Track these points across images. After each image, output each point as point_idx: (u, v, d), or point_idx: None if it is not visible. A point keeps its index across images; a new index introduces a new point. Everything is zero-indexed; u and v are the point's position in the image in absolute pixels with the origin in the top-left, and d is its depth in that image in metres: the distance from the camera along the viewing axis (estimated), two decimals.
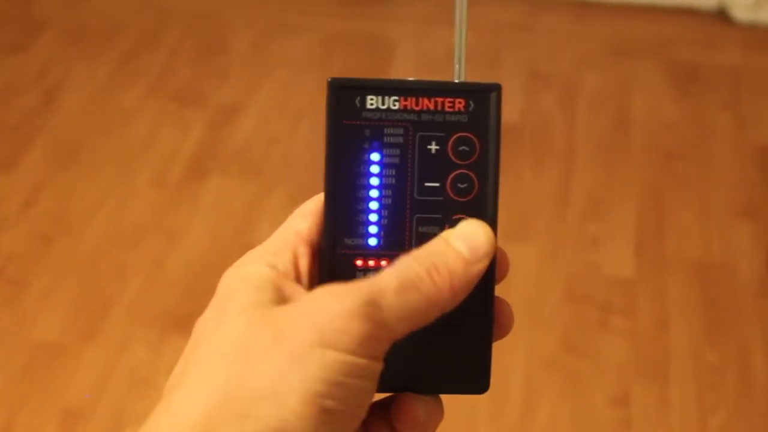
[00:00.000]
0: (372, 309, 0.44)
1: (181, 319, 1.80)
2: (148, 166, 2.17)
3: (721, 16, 2.64)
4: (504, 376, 1.75)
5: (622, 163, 2.21)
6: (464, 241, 0.49)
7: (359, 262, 0.50)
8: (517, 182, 2.13)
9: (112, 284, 1.93)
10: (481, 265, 0.48)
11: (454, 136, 0.50)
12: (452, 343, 0.50)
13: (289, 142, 2.22)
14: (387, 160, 0.50)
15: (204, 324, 0.48)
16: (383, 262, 0.50)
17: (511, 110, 2.29)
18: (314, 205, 0.51)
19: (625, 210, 2.09)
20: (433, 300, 0.46)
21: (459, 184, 0.51)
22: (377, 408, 0.51)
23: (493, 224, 0.50)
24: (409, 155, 0.50)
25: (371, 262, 0.50)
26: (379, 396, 0.50)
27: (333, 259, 0.50)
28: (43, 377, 1.78)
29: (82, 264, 1.97)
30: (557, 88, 2.41)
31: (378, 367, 0.45)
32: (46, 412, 1.73)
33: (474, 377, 0.51)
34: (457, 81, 0.52)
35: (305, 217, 0.51)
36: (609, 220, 2.07)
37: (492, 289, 0.51)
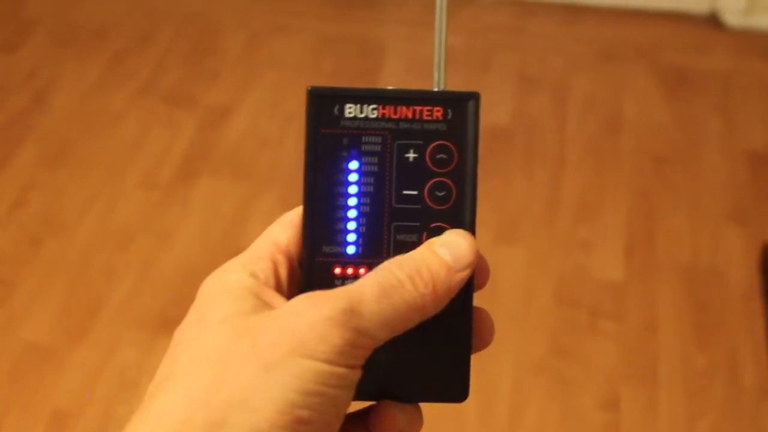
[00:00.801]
0: (352, 316, 0.44)
1: (170, 321, 1.80)
2: (138, 167, 2.17)
3: (713, 20, 2.64)
4: (492, 380, 1.75)
5: (612, 167, 2.21)
6: (448, 249, 0.49)
7: (338, 270, 0.50)
8: (507, 185, 2.13)
9: (102, 286, 1.92)
10: (464, 274, 0.49)
11: (432, 145, 0.51)
12: (431, 352, 0.50)
13: (280, 144, 2.22)
14: (365, 168, 0.50)
15: (184, 331, 0.48)
16: (361, 270, 0.50)
17: (501, 113, 2.29)
18: (294, 215, 0.51)
19: (615, 213, 2.10)
20: (415, 305, 0.46)
21: (437, 192, 0.51)
22: (354, 417, 0.51)
23: (471, 231, 0.51)
24: (387, 163, 0.50)
25: (349, 270, 0.50)
26: (356, 405, 0.50)
27: (312, 266, 0.50)
28: (31, 378, 1.77)
29: (71, 265, 1.97)
30: (547, 91, 2.41)
31: (356, 375, 0.45)
32: (34, 413, 1.72)
33: (453, 386, 0.51)
34: (436, 90, 0.52)
35: (284, 227, 0.51)
36: (599, 224, 2.08)
37: (470, 298, 0.51)
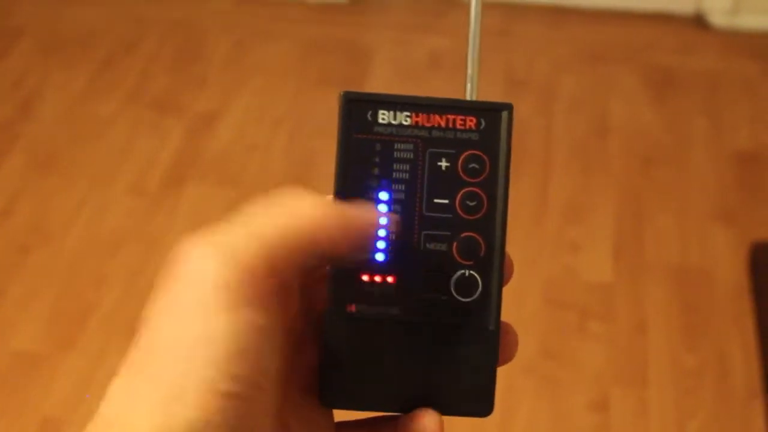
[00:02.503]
0: (225, 251, 0.43)
1: None
2: (125, 174, 2.17)
3: (698, 21, 2.65)
4: None
5: (600, 169, 2.21)
6: (352, 205, 0.48)
7: (365, 277, 0.50)
8: None
9: (91, 293, 1.92)
10: (361, 223, 0.48)
11: (465, 154, 0.51)
12: (459, 365, 0.50)
13: (267, 149, 2.22)
14: (397, 175, 0.50)
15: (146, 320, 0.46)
16: (389, 278, 0.50)
17: None
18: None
19: (603, 215, 2.10)
20: (299, 212, 0.45)
21: (468, 202, 0.50)
22: (379, 422, 0.50)
23: (501, 242, 0.51)
24: (419, 171, 0.50)
25: (377, 278, 0.50)
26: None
27: (338, 272, 0.50)
28: (21, 387, 1.77)
29: (60, 273, 1.96)
30: (534, 93, 2.41)
31: (265, 319, 0.43)
32: (24, 421, 1.72)
33: (479, 400, 0.51)
34: (470, 99, 0.52)
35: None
36: (587, 225, 2.08)
37: (499, 311, 0.51)
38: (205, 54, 2.53)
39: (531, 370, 1.81)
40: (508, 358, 0.51)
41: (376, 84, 2.39)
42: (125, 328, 1.84)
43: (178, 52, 2.52)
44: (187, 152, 2.22)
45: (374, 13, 2.69)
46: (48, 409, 1.73)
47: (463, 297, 0.50)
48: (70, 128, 2.30)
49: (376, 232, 0.49)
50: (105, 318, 1.87)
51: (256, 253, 0.43)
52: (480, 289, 0.50)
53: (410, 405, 0.50)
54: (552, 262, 2.00)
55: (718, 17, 2.62)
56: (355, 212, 0.47)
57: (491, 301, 0.50)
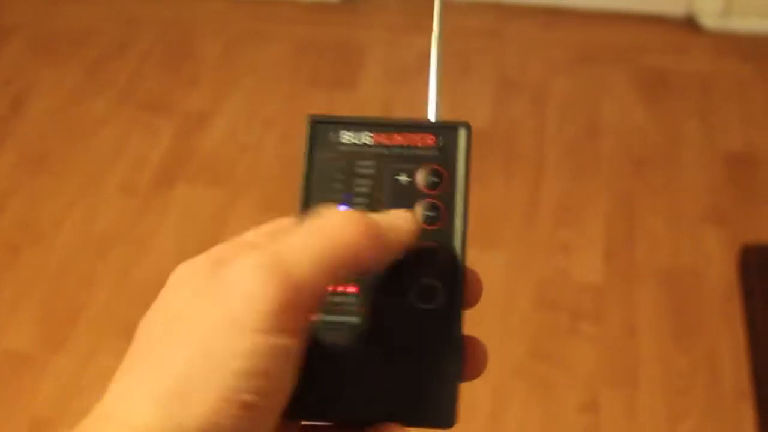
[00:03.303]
0: (277, 263, 0.43)
1: None
2: (116, 174, 2.16)
3: (690, 23, 2.65)
4: (473, 383, 1.74)
5: (592, 170, 2.21)
6: (389, 215, 0.49)
7: (329, 287, 0.49)
8: (486, 189, 2.13)
9: (81, 293, 1.92)
10: (402, 236, 0.48)
11: (423, 168, 0.52)
12: (422, 376, 0.50)
13: (258, 150, 2.22)
14: (358, 189, 0.52)
15: (144, 322, 0.47)
16: (351, 288, 0.50)
17: (480, 117, 2.29)
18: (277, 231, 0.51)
19: (595, 216, 2.10)
20: (347, 243, 0.45)
21: (427, 213, 0.52)
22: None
23: (461, 251, 0.51)
24: (379, 185, 0.52)
25: (339, 287, 0.50)
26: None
27: None
28: (10, 387, 1.77)
29: (50, 273, 1.96)
30: (527, 94, 2.41)
31: (296, 346, 0.44)
32: (13, 421, 1.72)
33: (441, 411, 0.51)
34: (430, 120, 0.54)
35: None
36: (578, 227, 2.08)
37: (460, 320, 0.51)
38: (196, 54, 2.52)
39: (522, 371, 1.81)
40: (477, 374, 0.52)
41: (368, 84, 2.38)
42: (115, 328, 1.83)
43: (170, 51, 2.52)
44: (178, 152, 2.22)
45: (366, 13, 2.69)
46: (37, 408, 1.73)
47: (424, 305, 0.50)
48: (61, 127, 2.29)
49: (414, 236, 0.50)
50: (95, 318, 1.87)
51: (309, 282, 0.44)
52: (442, 297, 0.50)
53: (373, 416, 0.49)
54: (543, 264, 2.00)
55: (710, 19, 2.63)
56: (397, 225, 0.48)
57: (453, 309, 0.50)
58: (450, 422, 0.51)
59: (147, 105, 2.35)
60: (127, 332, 1.81)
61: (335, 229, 0.45)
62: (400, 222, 0.49)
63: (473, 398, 1.74)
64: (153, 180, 2.14)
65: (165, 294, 0.47)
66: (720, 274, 1.99)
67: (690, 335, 1.88)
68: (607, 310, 1.92)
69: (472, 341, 0.51)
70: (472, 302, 0.51)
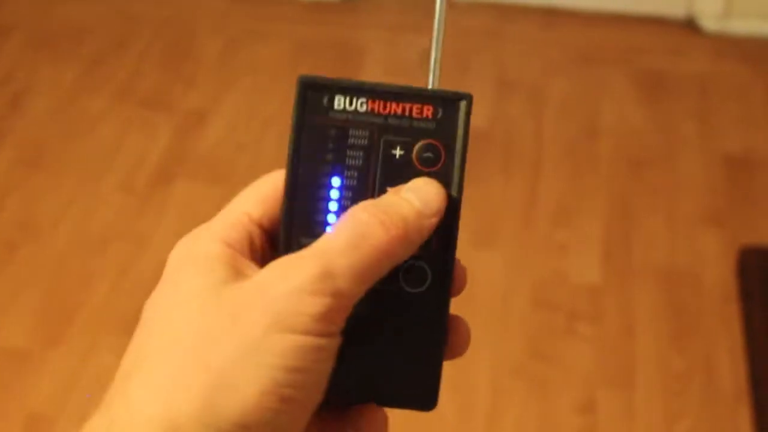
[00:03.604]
0: (325, 281, 0.44)
1: None
2: (114, 171, 2.16)
3: (690, 25, 2.65)
4: (470, 383, 1.75)
5: (590, 170, 2.21)
6: (416, 194, 0.48)
7: None
8: (484, 189, 2.13)
9: (78, 290, 1.91)
10: (434, 220, 0.48)
11: (420, 143, 0.50)
12: (403, 357, 0.50)
13: (257, 148, 2.22)
14: (350, 161, 0.49)
15: (155, 308, 0.46)
16: None
17: (479, 116, 2.29)
18: (269, 190, 0.50)
19: (592, 217, 2.10)
20: (385, 251, 0.45)
21: None
22: (325, 417, 0.50)
23: (453, 234, 0.50)
24: (373, 158, 0.49)
25: None
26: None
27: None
28: (7, 383, 1.76)
29: (47, 270, 1.96)
30: (525, 94, 2.41)
31: (337, 342, 0.45)
32: (10, 418, 1.72)
33: (422, 393, 0.50)
34: (429, 88, 0.52)
35: (258, 202, 0.50)
36: (576, 227, 2.08)
37: (447, 305, 0.50)
38: (195, 52, 2.52)
39: (519, 372, 1.81)
40: (459, 353, 0.51)
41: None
42: (113, 326, 1.83)
43: (169, 49, 2.52)
44: (176, 150, 2.22)
45: (365, 12, 2.69)
46: (34, 406, 1.73)
47: (411, 288, 0.49)
48: (59, 125, 2.29)
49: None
50: (92, 315, 1.87)
51: (353, 291, 0.45)
52: (429, 280, 0.49)
53: (355, 398, 0.49)
54: (541, 264, 2.00)
55: (710, 21, 2.63)
56: (427, 218, 0.48)
57: (440, 292, 0.50)
58: (430, 405, 0.50)
59: (146, 103, 2.35)
60: (125, 329, 1.81)
61: (374, 239, 0.45)
62: (430, 200, 0.48)
63: (471, 398, 1.74)
64: (151, 178, 2.14)
65: (179, 275, 0.47)
66: (718, 276, 1.99)
67: (687, 336, 1.88)
68: (604, 311, 1.92)
69: (455, 320, 0.51)
70: (457, 291, 0.51)
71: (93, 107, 2.33)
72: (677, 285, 1.97)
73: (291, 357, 0.43)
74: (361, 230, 0.45)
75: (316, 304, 0.43)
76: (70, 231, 2.04)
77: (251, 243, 0.49)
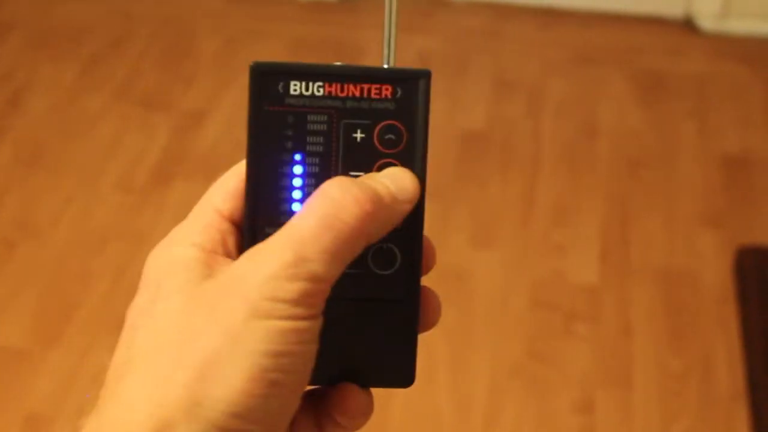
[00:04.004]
0: (299, 266, 0.43)
1: None
2: (113, 170, 2.16)
3: (688, 25, 2.65)
4: (468, 382, 1.75)
5: (588, 171, 2.22)
6: (391, 180, 0.48)
7: None
8: (482, 189, 2.13)
9: (76, 290, 1.91)
10: (407, 206, 0.48)
11: (381, 124, 0.49)
12: (378, 336, 0.50)
13: None
14: (310, 148, 0.49)
15: (137, 310, 0.47)
16: None
17: (477, 117, 2.30)
18: (236, 183, 0.50)
19: (590, 217, 2.10)
20: (359, 228, 0.45)
21: None
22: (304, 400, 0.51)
23: (420, 215, 0.49)
24: (334, 143, 0.49)
25: None
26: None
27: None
28: (5, 383, 1.76)
29: (45, 269, 1.96)
30: (523, 95, 2.41)
31: (319, 323, 0.44)
32: (8, 418, 1.72)
33: (400, 371, 0.50)
34: (385, 67, 0.51)
35: (227, 196, 0.50)
36: (574, 228, 2.08)
37: (418, 284, 0.50)
38: (194, 51, 2.52)
39: (517, 372, 1.81)
40: (431, 324, 0.51)
41: None
42: (111, 325, 1.83)
43: (168, 49, 2.52)
44: (174, 149, 2.22)
45: (364, 12, 2.69)
46: (32, 405, 1.73)
47: (381, 270, 0.49)
48: (58, 123, 2.29)
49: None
50: (91, 314, 1.87)
51: (329, 274, 0.44)
52: (399, 261, 0.49)
53: (334, 378, 0.49)
54: (539, 265, 2.00)
55: (708, 21, 2.63)
56: (403, 192, 0.47)
57: (410, 272, 0.49)
58: (409, 381, 0.51)
59: (144, 102, 2.35)
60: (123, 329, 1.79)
61: (347, 216, 0.44)
62: (405, 187, 0.48)
63: (469, 398, 1.74)
64: (150, 177, 2.14)
65: (158, 280, 0.47)
66: (715, 276, 1.99)
67: (685, 336, 1.88)
68: (602, 311, 1.92)
69: (426, 292, 0.51)
70: (427, 268, 0.51)
71: (92, 106, 2.33)
72: (675, 285, 1.98)
73: (274, 342, 0.43)
74: (333, 210, 0.45)
75: (293, 290, 0.43)
76: (68, 230, 2.04)
77: (224, 241, 0.48)
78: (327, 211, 0.44)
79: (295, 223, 0.45)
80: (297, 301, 0.43)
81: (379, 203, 0.46)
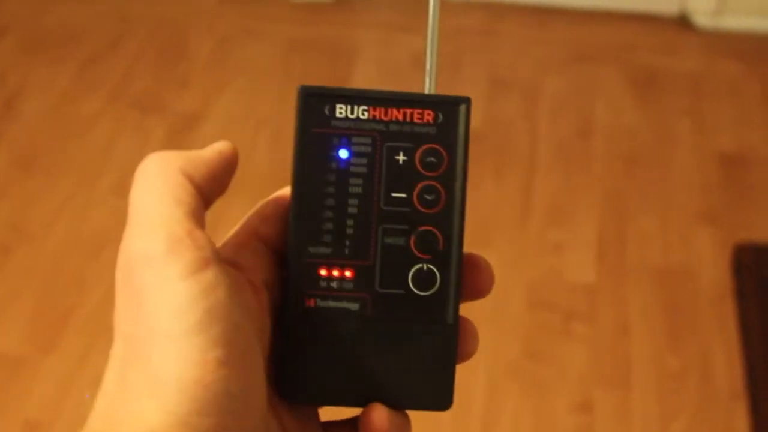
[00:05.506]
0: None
1: None
2: (108, 174, 2.16)
3: (683, 22, 2.65)
4: (466, 383, 1.74)
5: (584, 169, 2.21)
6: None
7: (323, 272, 0.50)
8: (478, 188, 2.13)
9: (73, 294, 1.91)
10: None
11: (422, 148, 0.51)
12: (418, 360, 0.50)
13: (251, 150, 2.22)
14: (354, 169, 0.50)
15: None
16: (347, 272, 0.50)
17: (472, 116, 2.28)
18: (275, 207, 0.51)
19: (587, 216, 2.10)
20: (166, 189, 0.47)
21: (426, 196, 0.50)
22: (343, 424, 0.51)
23: (459, 235, 0.51)
24: (377, 165, 0.50)
25: (335, 272, 0.50)
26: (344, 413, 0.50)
27: (297, 267, 0.50)
28: (2, 389, 1.76)
29: (41, 274, 1.95)
30: (519, 94, 2.41)
31: (216, 275, 0.44)
32: (5, 424, 1.71)
33: (436, 393, 0.51)
34: (428, 93, 0.53)
35: (266, 219, 0.51)
36: (571, 227, 2.08)
37: (457, 306, 0.51)
38: (188, 53, 2.52)
39: (515, 372, 1.81)
40: (469, 354, 0.51)
41: (361, 83, 2.38)
42: (108, 330, 1.81)
43: (162, 51, 2.51)
44: None
45: (358, 12, 2.69)
46: (29, 412, 1.72)
47: (421, 291, 0.50)
48: (53, 127, 2.29)
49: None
50: (87, 319, 1.86)
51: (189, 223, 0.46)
52: (438, 283, 0.50)
53: (369, 399, 0.50)
54: (536, 264, 2.00)
55: (702, 18, 2.63)
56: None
57: (449, 295, 0.50)
58: (446, 405, 0.51)
59: (139, 104, 2.34)
60: None
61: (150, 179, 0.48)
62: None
63: (466, 398, 1.74)
64: None
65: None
66: (712, 274, 1.99)
67: (682, 335, 1.88)
68: (599, 310, 1.92)
69: (463, 322, 0.51)
70: (484, 290, 0.52)
71: (87, 109, 2.33)
72: (672, 283, 1.97)
73: (192, 308, 0.42)
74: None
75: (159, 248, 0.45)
76: (63, 234, 2.03)
77: (260, 265, 0.50)
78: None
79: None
80: (168, 254, 0.44)
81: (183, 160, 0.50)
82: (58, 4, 2.66)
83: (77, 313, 1.87)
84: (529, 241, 2.05)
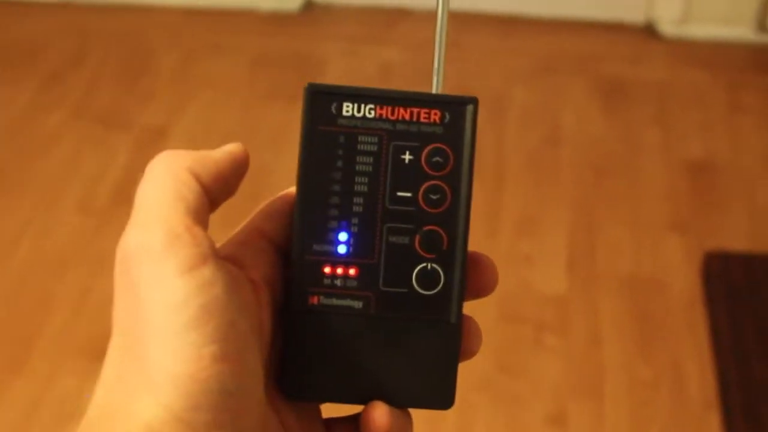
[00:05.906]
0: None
1: None
2: (73, 191, 2.13)
3: (648, 30, 2.66)
4: None
5: (552, 180, 2.21)
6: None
7: (327, 269, 0.50)
8: None
9: (38, 314, 1.89)
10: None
11: (428, 147, 0.51)
12: (421, 358, 0.51)
13: None
14: (360, 167, 0.50)
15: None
16: (351, 270, 0.50)
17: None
18: (280, 205, 0.51)
19: (556, 226, 2.10)
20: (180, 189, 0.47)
21: (431, 195, 0.51)
22: (342, 421, 0.51)
23: (464, 235, 0.51)
24: (383, 164, 0.51)
25: (339, 270, 0.50)
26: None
27: (301, 264, 0.50)
28: None
29: (5, 294, 1.93)
30: (486, 104, 2.39)
31: (212, 272, 0.44)
32: None
33: (440, 393, 0.51)
34: (435, 93, 0.53)
35: (269, 216, 0.51)
36: (540, 238, 2.08)
37: (461, 305, 0.51)
38: (153, 67, 2.50)
39: (487, 386, 1.80)
40: (472, 353, 0.52)
41: None
42: (75, 350, 1.80)
43: (125, 65, 2.49)
44: (135, 168, 2.19)
45: (324, 23, 2.68)
46: None
47: (425, 290, 0.50)
48: (15, 144, 2.26)
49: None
50: (53, 339, 1.84)
51: (191, 223, 0.46)
52: (442, 282, 0.50)
53: (370, 397, 0.50)
54: (506, 276, 1.98)
55: (668, 26, 2.64)
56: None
57: (453, 294, 0.51)
58: (448, 404, 0.52)
59: (103, 120, 2.32)
60: (87, 353, 1.78)
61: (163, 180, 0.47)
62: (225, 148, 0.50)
63: (438, 414, 1.72)
64: (111, 197, 2.11)
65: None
66: (683, 282, 1.99)
67: (654, 344, 1.88)
68: (570, 321, 1.91)
69: (467, 321, 0.51)
70: (488, 289, 0.52)
71: (49, 125, 2.31)
72: (642, 292, 1.97)
73: (185, 304, 0.42)
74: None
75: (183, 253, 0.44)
76: (28, 253, 2.01)
77: (263, 263, 0.49)
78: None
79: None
80: (167, 247, 0.44)
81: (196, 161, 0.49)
82: (18, 18, 2.64)
83: (43, 333, 1.85)
84: (499, 253, 2.04)
